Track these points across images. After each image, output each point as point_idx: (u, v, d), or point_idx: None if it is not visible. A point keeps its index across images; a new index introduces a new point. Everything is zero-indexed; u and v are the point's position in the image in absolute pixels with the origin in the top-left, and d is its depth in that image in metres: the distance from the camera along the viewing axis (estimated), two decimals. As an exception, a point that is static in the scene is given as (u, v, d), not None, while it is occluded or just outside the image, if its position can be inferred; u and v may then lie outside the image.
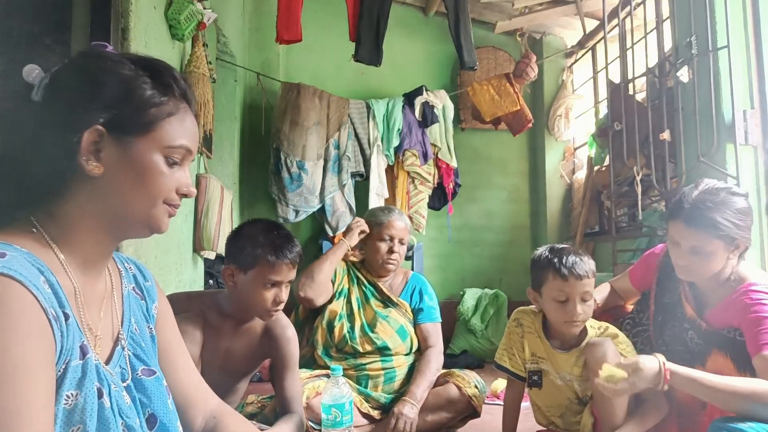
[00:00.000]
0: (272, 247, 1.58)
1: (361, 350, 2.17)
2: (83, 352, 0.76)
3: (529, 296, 1.84)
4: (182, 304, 1.59)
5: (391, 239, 2.26)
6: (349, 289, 2.28)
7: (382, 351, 2.17)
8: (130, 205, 0.82)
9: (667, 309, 1.77)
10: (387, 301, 2.28)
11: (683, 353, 1.64)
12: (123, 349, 0.87)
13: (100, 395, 0.77)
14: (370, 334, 2.18)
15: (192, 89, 0.89)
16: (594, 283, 1.74)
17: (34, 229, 0.78)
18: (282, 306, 1.63)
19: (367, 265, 2.34)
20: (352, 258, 2.36)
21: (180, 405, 0.98)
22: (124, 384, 0.85)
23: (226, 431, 1.04)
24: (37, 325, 0.68)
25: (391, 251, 2.25)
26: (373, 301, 2.27)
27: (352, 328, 2.19)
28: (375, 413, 2.11)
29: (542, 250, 1.80)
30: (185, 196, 0.87)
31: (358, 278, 2.31)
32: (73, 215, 0.80)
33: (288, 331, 1.70)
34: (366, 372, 2.16)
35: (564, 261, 1.71)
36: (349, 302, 2.25)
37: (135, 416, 0.83)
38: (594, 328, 1.79)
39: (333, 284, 2.26)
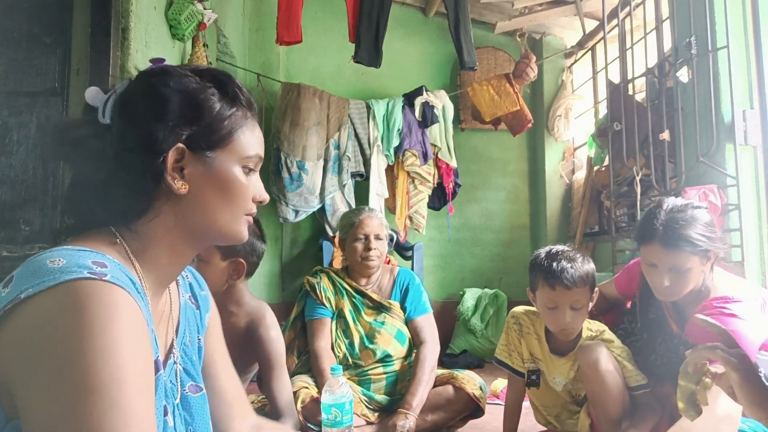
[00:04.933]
0: None
1: (363, 364, 2.17)
2: (156, 368, 0.74)
3: (528, 296, 1.81)
4: None
5: (366, 237, 2.23)
6: (340, 305, 2.24)
7: (384, 359, 2.17)
8: (217, 219, 0.81)
9: (652, 326, 1.76)
10: (379, 307, 2.25)
11: (679, 365, 1.64)
12: (175, 363, 0.85)
13: (165, 413, 0.76)
14: (371, 346, 2.17)
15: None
16: (588, 291, 1.69)
17: (118, 240, 0.76)
18: None
19: (350, 271, 2.30)
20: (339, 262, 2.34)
21: (224, 416, 0.97)
22: (176, 401, 0.83)
23: None
24: (144, 333, 0.68)
25: (367, 248, 2.21)
26: (365, 311, 2.23)
27: (351, 344, 2.18)
28: (373, 416, 2.11)
29: (540, 252, 1.76)
30: (260, 203, 0.86)
31: (345, 290, 2.26)
32: (156, 231, 0.78)
33: (272, 331, 1.70)
34: (368, 377, 2.17)
35: (553, 268, 1.65)
36: (342, 317, 2.22)
37: None
38: (590, 330, 1.76)
39: (330, 302, 2.23)
